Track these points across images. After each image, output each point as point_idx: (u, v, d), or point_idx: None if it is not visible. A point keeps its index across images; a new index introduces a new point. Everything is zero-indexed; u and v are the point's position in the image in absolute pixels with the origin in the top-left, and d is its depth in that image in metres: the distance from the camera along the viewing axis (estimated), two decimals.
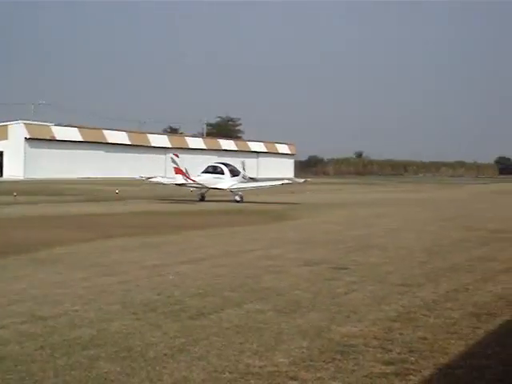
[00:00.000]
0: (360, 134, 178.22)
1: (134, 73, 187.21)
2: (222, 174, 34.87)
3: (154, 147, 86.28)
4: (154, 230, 18.97)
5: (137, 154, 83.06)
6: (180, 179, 33.77)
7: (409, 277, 11.21)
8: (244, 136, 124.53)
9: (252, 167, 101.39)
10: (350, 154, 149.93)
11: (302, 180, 42.24)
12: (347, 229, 19.85)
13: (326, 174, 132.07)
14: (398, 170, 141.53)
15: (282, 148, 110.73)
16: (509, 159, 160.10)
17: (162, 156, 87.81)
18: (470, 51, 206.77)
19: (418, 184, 74.70)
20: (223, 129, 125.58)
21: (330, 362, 6.49)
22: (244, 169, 36.15)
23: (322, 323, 7.94)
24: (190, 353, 6.71)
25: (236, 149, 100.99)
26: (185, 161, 35.41)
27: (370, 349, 6.94)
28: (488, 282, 10.80)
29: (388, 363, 6.49)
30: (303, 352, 6.80)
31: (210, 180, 34.18)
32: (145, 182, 40.72)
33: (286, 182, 39.26)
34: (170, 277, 10.95)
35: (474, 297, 9.62)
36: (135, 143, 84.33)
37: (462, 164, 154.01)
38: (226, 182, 34.49)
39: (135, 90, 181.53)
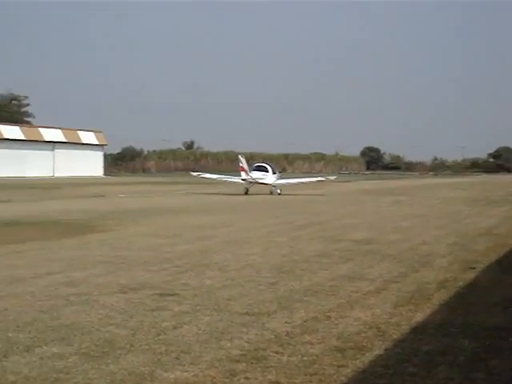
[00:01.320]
0: (191, 121, 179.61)
1: None
2: (267, 171, 53.94)
3: None
4: None
5: None
6: (244, 175, 52.88)
7: (255, 303, 11.40)
8: (35, 121, 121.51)
9: (46, 161, 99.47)
10: (177, 144, 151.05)
11: (334, 177, 67.03)
12: (175, 243, 19.88)
13: (146, 170, 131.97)
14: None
15: (87, 137, 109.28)
16: (378, 150, 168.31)
17: None
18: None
19: None
20: (4, 110, 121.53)
21: None
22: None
23: (143, 368, 7.86)
24: None
25: (23, 138, 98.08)
26: None
27: None
28: (354, 308, 11.24)
29: None
30: None
31: (260, 176, 53.29)
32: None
33: (321, 179, 62.69)
34: None
35: (337, 326, 9.96)
36: None
37: (321, 156, 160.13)
38: (270, 178, 53.68)
39: None
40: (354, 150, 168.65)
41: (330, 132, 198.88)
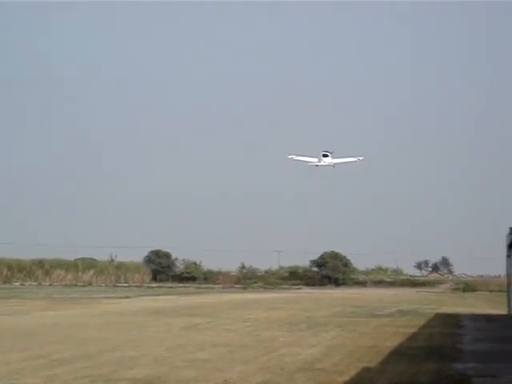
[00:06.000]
0: None
1: None
2: (328, 156, 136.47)
3: None
4: None
5: None
6: (322, 162, 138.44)
7: None
8: None
9: None
10: None
11: (361, 158, 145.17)
12: None
13: None
14: None
15: None
16: (168, 255, 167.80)
17: None
18: None
19: None
20: None
21: None
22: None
23: None
24: None
25: None
26: None
27: None
28: None
29: None
30: None
31: (326, 159, 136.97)
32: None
33: (353, 159, 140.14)
34: None
35: None
36: None
37: (90, 263, 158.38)
38: (330, 159, 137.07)
39: None
40: (136, 255, 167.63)
41: (103, 230, 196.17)
